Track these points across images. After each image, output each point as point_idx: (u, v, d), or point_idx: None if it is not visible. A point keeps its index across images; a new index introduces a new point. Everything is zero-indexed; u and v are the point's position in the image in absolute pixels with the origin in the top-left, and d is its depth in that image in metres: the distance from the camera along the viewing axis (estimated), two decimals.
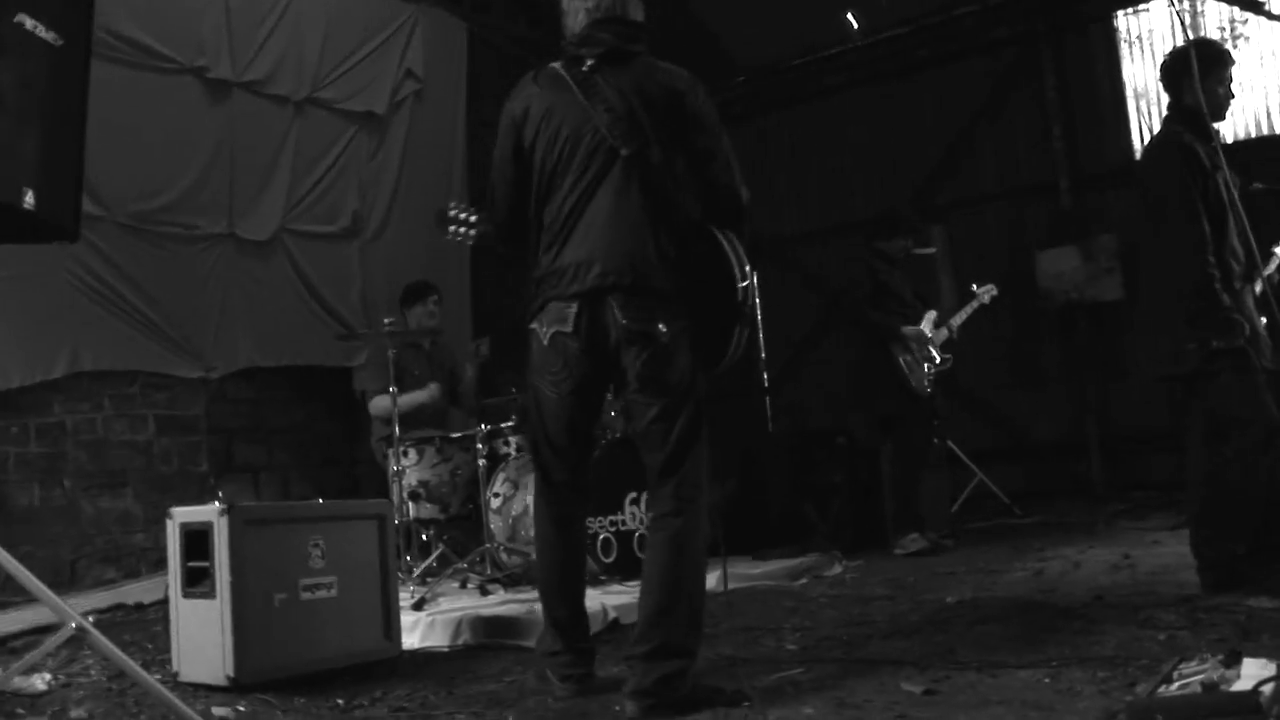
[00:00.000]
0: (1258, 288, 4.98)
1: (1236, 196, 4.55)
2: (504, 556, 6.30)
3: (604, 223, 3.44)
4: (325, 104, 8.54)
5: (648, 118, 3.46)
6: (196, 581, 4.07)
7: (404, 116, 9.23)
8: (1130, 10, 10.37)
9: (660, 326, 3.38)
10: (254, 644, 3.92)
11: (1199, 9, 9.87)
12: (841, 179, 11.51)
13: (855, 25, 10.70)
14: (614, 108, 3.46)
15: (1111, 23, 10.49)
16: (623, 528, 6.30)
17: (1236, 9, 2.84)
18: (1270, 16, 2.69)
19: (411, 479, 6.45)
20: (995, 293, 7.71)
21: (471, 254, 9.76)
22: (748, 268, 3.48)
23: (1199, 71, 4.46)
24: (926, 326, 7.30)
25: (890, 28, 11.06)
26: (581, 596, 3.73)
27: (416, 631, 4.93)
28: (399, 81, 9.16)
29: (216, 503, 4.03)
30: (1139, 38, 10.40)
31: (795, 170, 11.76)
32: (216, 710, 3.57)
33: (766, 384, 11.65)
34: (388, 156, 9.07)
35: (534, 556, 6.10)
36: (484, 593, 5.82)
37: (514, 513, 6.32)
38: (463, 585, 6.12)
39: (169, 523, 4.22)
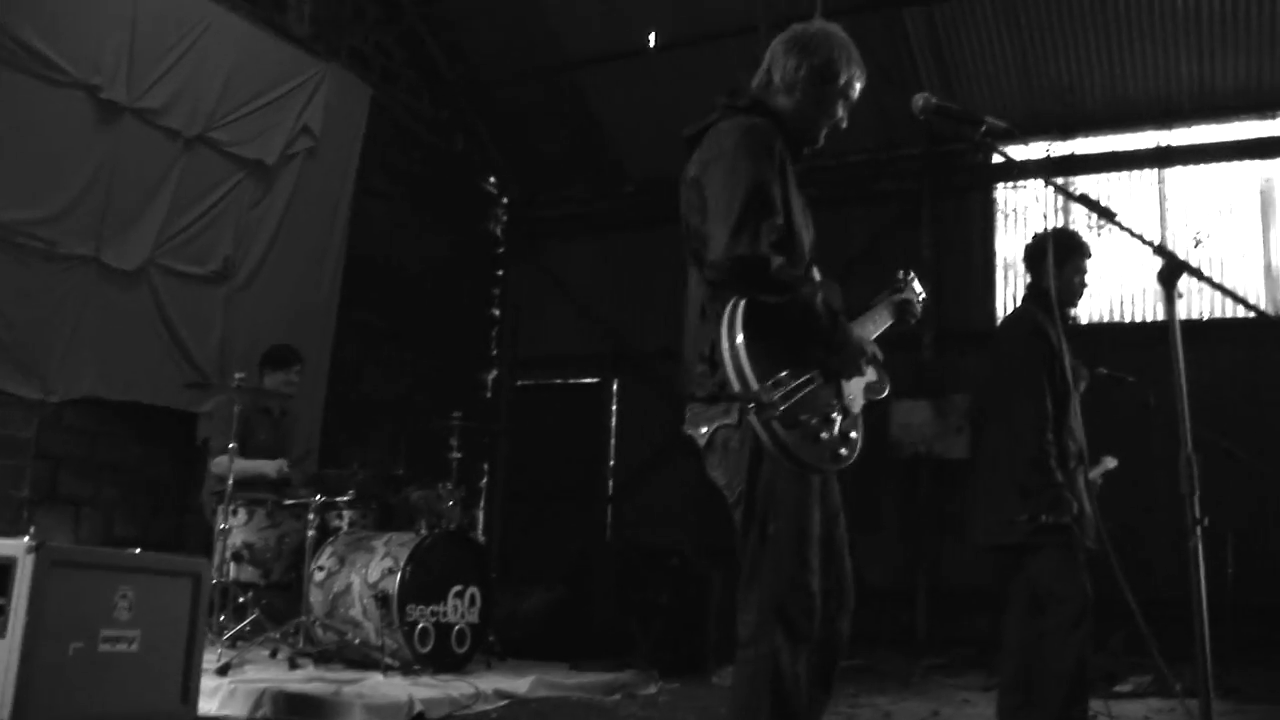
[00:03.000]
0: (1094, 472, 5.16)
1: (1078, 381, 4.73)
2: (319, 632, 6.15)
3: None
4: (215, 145, 8.44)
5: (691, 201, 3.19)
6: None
7: (293, 171, 9.16)
8: (1010, 185, 10.83)
9: (702, 429, 3.13)
10: (39, 690, 3.72)
11: (1072, 191, 10.36)
12: None
13: None
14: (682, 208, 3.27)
15: (990, 193, 10.99)
16: (443, 619, 6.19)
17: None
18: (1120, 226, 2.80)
19: (237, 539, 6.28)
20: None
21: (337, 324, 9.65)
22: (737, 339, 2.89)
23: (1058, 259, 4.70)
24: None
25: None
26: None
27: (216, 697, 4.77)
28: (294, 135, 9.11)
29: (26, 538, 3.85)
30: (1015, 211, 10.87)
31: (673, 285, 11.83)
32: None
33: (610, 492, 11.65)
34: (270, 208, 8.97)
35: (349, 636, 6.01)
36: (293, 666, 5.67)
37: (336, 589, 6.18)
38: (273, 655, 5.95)
39: None
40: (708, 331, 3.04)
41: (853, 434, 3.08)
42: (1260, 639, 8.46)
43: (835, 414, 3.03)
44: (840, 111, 3.34)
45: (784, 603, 2.94)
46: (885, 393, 3.38)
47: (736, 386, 2.87)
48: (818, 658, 3.10)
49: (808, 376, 2.98)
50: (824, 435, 2.97)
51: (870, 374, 3.30)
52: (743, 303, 2.93)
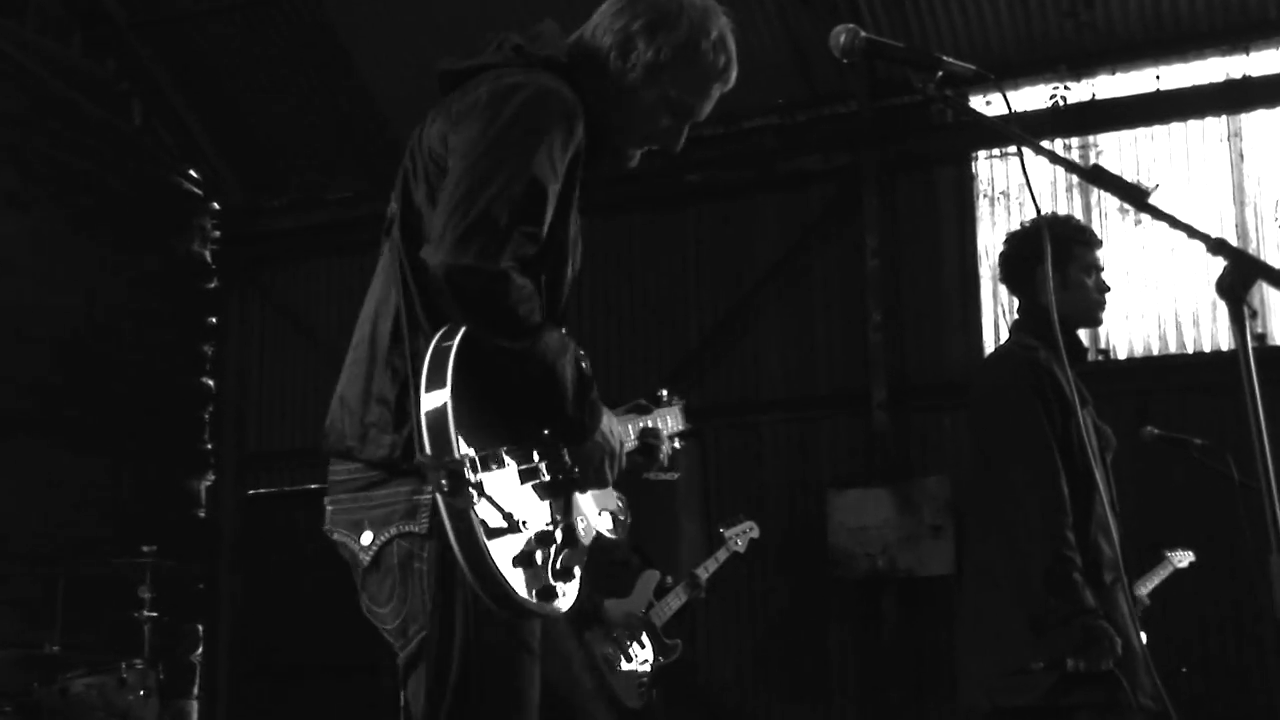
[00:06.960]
0: (1153, 580, 5.17)
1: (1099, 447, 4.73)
2: None
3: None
4: None
5: (429, 165, 3.23)
6: None
7: None
8: (996, 153, 10.86)
9: (365, 536, 3.12)
10: None
11: (1089, 160, 10.34)
12: None
13: None
14: (407, 165, 3.34)
15: (968, 166, 11.00)
16: None
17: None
18: (1154, 212, 2.70)
19: None
20: (755, 534, 7.69)
21: None
22: (446, 385, 2.89)
23: (1055, 259, 4.65)
24: (641, 598, 7.22)
25: None
26: None
27: None
28: None
29: None
30: (1004, 193, 10.86)
31: None
32: None
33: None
34: None
35: None
36: None
37: None
38: None
39: None
40: (400, 359, 3.11)
41: (576, 570, 3.06)
42: None
43: (559, 531, 3.03)
44: (667, 123, 3.42)
45: None
46: (618, 538, 3.39)
47: (429, 451, 2.84)
48: None
49: (531, 464, 3.01)
50: (539, 557, 2.95)
51: (610, 499, 3.35)
52: (461, 333, 2.95)
